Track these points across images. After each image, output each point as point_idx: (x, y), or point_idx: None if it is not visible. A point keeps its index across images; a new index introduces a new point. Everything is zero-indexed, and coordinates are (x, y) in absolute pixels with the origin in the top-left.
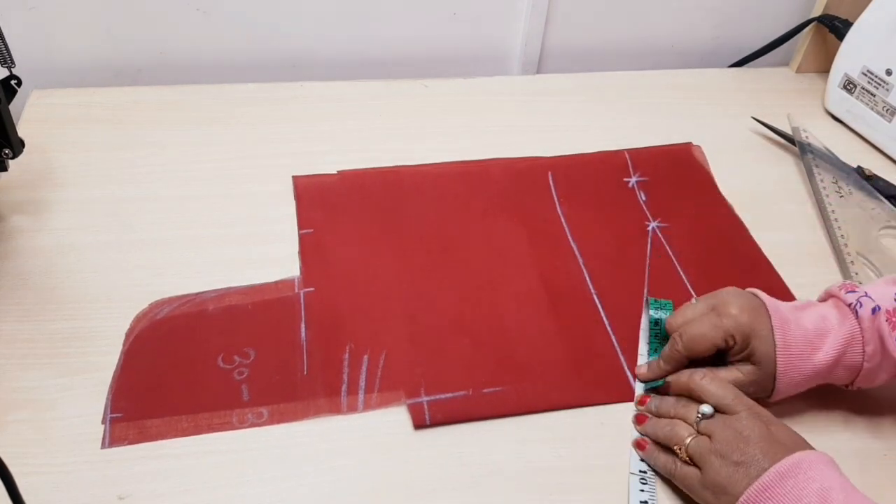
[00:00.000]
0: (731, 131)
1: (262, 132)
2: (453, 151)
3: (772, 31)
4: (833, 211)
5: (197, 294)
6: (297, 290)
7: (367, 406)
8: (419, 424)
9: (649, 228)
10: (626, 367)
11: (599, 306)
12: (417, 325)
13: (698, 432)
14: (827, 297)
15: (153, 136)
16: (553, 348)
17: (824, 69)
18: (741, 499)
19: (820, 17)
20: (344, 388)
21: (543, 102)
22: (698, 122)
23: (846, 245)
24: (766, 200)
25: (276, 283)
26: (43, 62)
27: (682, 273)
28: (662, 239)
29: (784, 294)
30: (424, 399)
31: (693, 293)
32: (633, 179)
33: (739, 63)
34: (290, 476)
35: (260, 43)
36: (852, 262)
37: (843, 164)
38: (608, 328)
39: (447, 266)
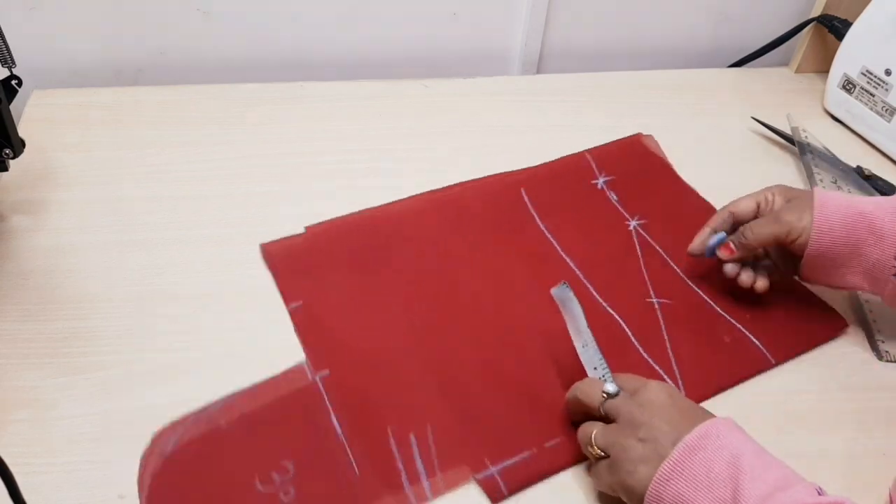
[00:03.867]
0: (731, 131)
1: (262, 132)
2: (453, 151)
3: (771, 31)
4: None
5: (200, 410)
6: (311, 378)
7: (436, 492)
8: (497, 499)
9: (630, 228)
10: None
11: (620, 320)
12: (451, 390)
13: (604, 418)
14: None
15: (153, 136)
16: None
17: (824, 69)
18: (655, 476)
19: (819, 17)
20: (404, 478)
21: (543, 102)
22: (698, 122)
23: None
24: None
25: (285, 373)
26: (44, 62)
27: (675, 268)
28: (646, 237)
29: None
30: (493, 470)
31: (694, 287)
32: (601, 181)
33: (739, 63)
34: None
35: (260, 43)
36: None
37: (843, 164)
38: (635, 342)
39: (455, 316)
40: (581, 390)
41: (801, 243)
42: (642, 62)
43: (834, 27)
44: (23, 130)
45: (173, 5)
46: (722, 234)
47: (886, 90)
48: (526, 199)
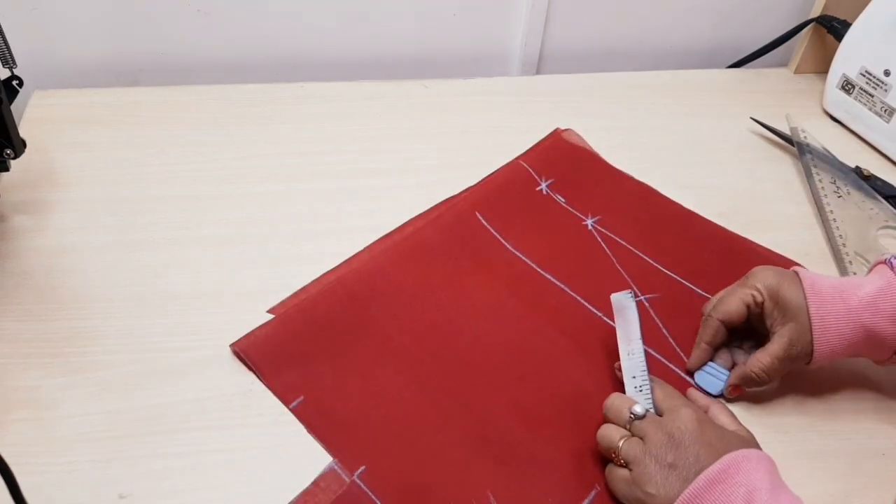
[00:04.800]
0: (730, 132)
1: (262, 133)
2: (454, 151)
3: (770, 31)
4: (831, 211)
5: None
6: (347, 479)
7: None
8: None
9: (589, 228)
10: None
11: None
12: (495, 445)
13: (631, 433)
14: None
15: (154, 137)
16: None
17: (823, 70)
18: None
19: (818, 17)
20: None
21: (543, 102)
22: (697, 122)
23: (844, 245)
24: (765, 201)
25: (317, 483)
26: (45, 63)
27: (648, 260)
28: (607, 233)
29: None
30: None
31: (675, 276)
32: (544, 186)
33: (738, 64)
34: (290, 474)
35: (260, 44)
36: (850, 263)
37: (842, 164)
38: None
39: (464, 363)
40: (609, 408)
41: (805, 360)
42: (642, 62)
43: (833, 28)
44: (24, 131)
45: (173, 6)
46: (725, 378)
47: (885, 91)
48: (484, 222)
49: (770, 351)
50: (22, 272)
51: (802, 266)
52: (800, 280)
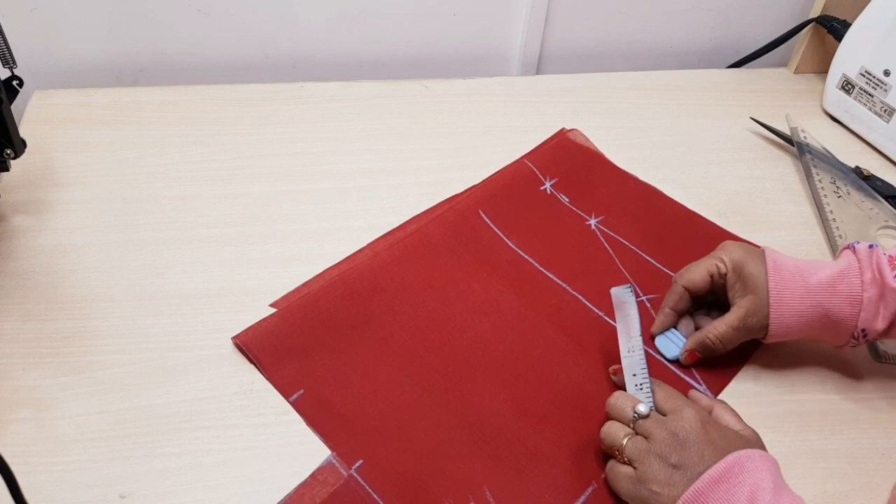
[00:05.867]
0: (730, 132)
1: (262, 133)
2: (453, 151)
3: (770, 31)
4: (831, 211)
5: None
6: (346, 473)
7: None
8: None
9: (592, 228)
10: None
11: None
12: (492, 441)
13: (635, 432)
14: None
15: (154, 137)
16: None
17: (822, 70)
18: (679, 502)
19: (818, 17)
20: None
21: (543, 102)
22: (697, 122)
23: None
24: (765, 201)
25: (315, 476)
26: (45, 63)
27: (650, 260)
28: (610, 233)
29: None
30: None
31: (672, 274)
32: (548, 185)
33: (738, 64)
34: (290, 474)
35: (260, 44)
36: None
37: (842, 164)
38: (646, 350)
39: (464, 360)
40: (612, 406)
41: (761, 334)
42: (642, 62)
43: (833, 28)
44: (24, 131)
45: (173, 6)
46: (682, 344)
47: (885, 91)
48: (487, 220)
49: (726, 320)
50: (22, 272)
51: None
52: (763, 256)
